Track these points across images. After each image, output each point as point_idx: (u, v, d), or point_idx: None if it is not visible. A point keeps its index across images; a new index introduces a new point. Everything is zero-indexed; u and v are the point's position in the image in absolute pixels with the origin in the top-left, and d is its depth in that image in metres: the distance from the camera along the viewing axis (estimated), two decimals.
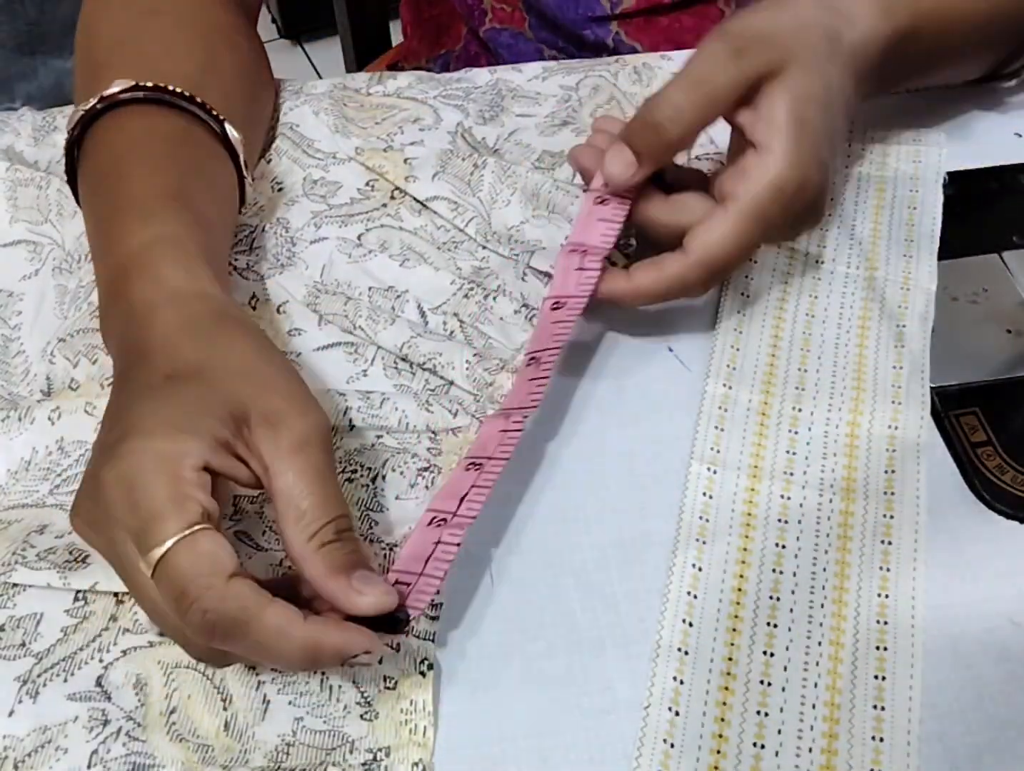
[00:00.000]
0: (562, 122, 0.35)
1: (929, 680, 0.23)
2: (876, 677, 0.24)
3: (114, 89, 0.26)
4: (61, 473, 0.26)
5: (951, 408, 0.29)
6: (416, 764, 0.22)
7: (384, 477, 0.26)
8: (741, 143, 0.26)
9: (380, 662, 0.23)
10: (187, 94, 0.26)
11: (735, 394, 0.28)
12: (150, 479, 0.19)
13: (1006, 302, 0.31)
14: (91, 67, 0.28)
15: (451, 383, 0.27)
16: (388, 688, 0.23)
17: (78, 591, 0.24)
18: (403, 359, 0.28)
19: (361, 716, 0.22)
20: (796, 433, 0.28)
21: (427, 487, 0.25)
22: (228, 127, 0.27)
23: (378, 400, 0.27)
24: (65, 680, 0.23)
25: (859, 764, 0.22)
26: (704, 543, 0.25)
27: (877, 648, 0.24)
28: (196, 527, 0.19)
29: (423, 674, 0.23)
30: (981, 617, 0.24)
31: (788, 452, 0.27)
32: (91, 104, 0.26)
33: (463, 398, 0.27)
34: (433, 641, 0.23)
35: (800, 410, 0.28)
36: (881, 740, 0.23)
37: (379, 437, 0.26)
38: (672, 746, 0.22)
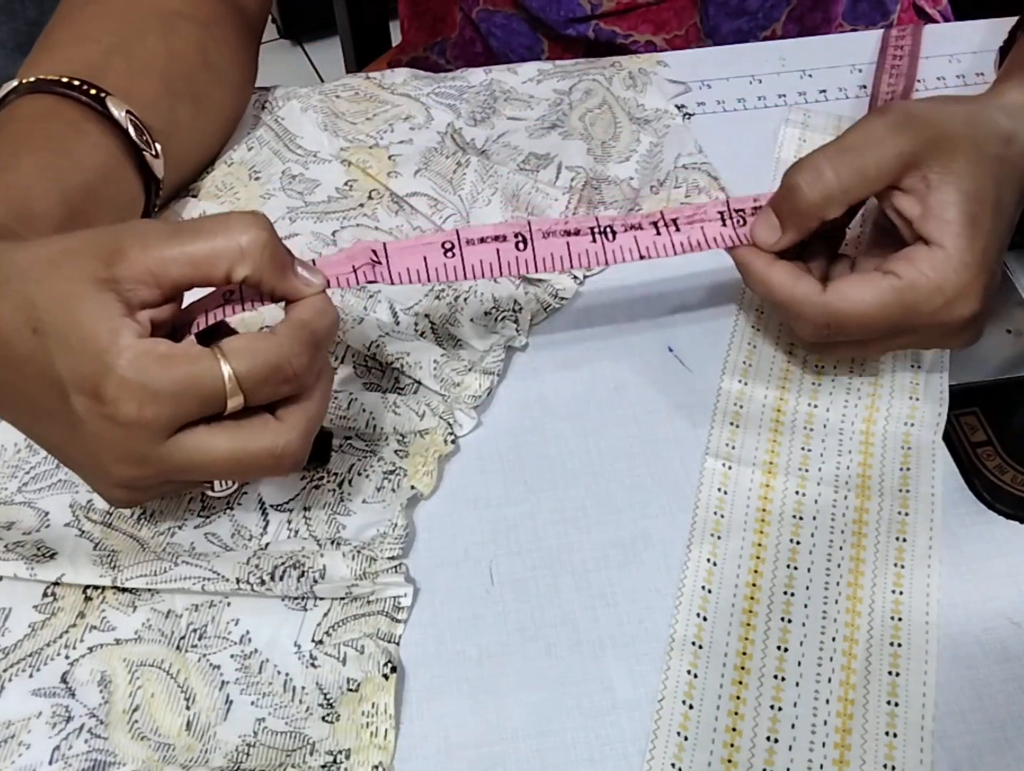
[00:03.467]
0: (551, 125, 0.34)
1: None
2: (890, 673, 0.23)
3: (3, 91, 0.27)
4: (29, 470, 0.26)
5: (951, 408, 0.28)
6: (376, 767, 0.21)
7: (351, 481, 0.25)
8: (905, 230, 0.25)
9: (344, 664, 0.22)
10: (63, 80, 0.26)
11: (751, 390, 0.28)
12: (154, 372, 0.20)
13: (1006, 302, 0.30)
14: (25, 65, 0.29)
15: (419, 383, 0.27)
16: (351, 690, 0.22)
17: (46, 588, 0.23)
18: (372, 357, 0.28)
19: (323, 718, 0.22)
20: (811, 430, 0.27)
21: (393, 490, 0.25)
22: (109, 103, 0.27)
23: (345, 400, 0.26)
24: (31, 675, 0.23)
25: (872, 759, 0.22)
26: (719, 538, 0.25)
27: (891, 644, 0.24)
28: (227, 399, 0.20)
29: (385, 677, 0.22)
30: (981, 617, 0.24)
31: (803, 449, 0.27)
32: None
33: (431, 399, 0.27)
34: (398, 644, 0.23)
35: (816, 407, 0.28)
36: (895, 735, 0.22)
37: (347, 439, 0.26)
38: (686, 739, 0.22)
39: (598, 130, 0.34)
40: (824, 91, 0.37)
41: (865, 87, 0.37)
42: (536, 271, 0.25)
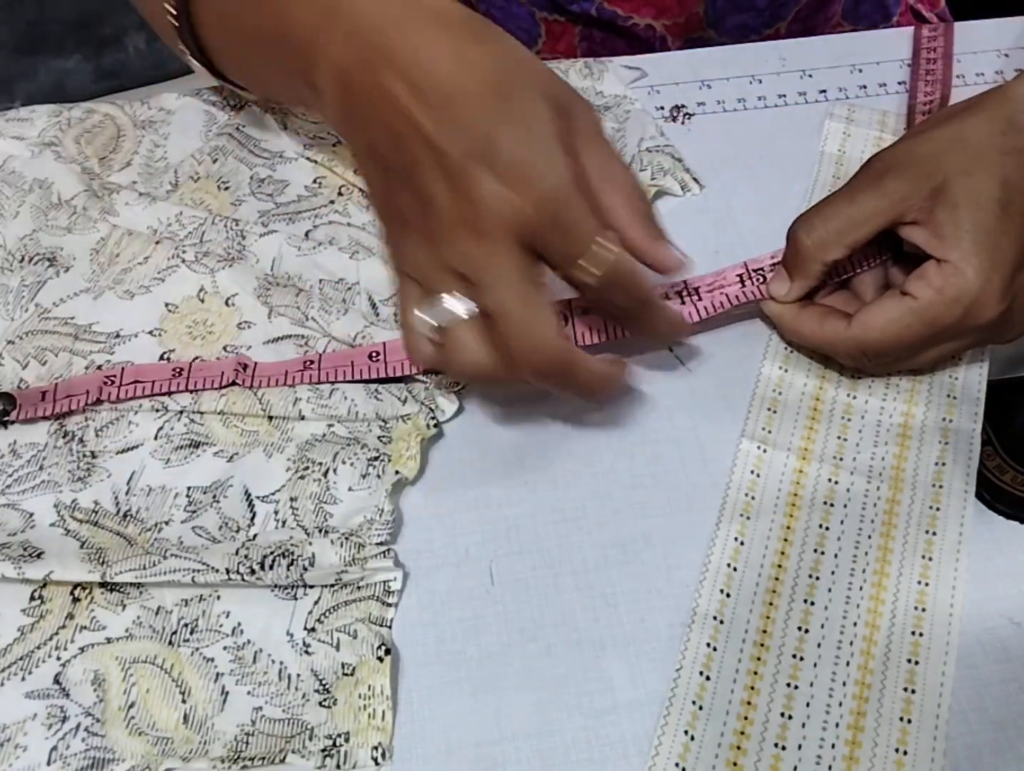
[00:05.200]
0: None
1: None
2: (909, 661, 0.25)
3: None
4: (12, 473, 0.28)
5: None
6: (376, 747, 0.23)
7: (335, 470, 0.28)
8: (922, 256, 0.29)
9: (338, 650, 0.25)
10: None
11: (791, 378, 0.30)
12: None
13: None
14: None
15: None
16: (346, 674, 0.25)
17: (33, 590, 0.26)
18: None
19: (320, 703, 0.24)
20: (849, 420, 0.30)
21: (378, 476, 0.28)
22: None
23: (327, 390, 0.29)
24: (23, 679, 0.24)
25: (885, 742, 0.24)
26: (748, 519, 0.28)
27: (913, 633, 0.26)
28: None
29: (380, 659, 0.24)
30: (981, 617, 0.26)
31: (840, 437, 0.29)
32: None
33: (413, 386, 0.29)
34: (390, 627, 0.26)
35: (855, 397, 0.30)
36: (909, 721, 0.24)
37: (330, 426, 0.29)
38: (700, 708, 0.24)
39: None
40: (824, 91, 0.39)
41: (865, 87, 0.37)
42: (577, 343, 0.29)
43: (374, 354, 0.29)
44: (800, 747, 0.23)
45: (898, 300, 0.27)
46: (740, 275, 0.30)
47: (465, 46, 0.22)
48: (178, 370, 0.29)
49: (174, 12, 0.29)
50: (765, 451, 0.28)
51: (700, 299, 0.29)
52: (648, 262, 0.25)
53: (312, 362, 0.29)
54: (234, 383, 0.28)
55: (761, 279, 0.29)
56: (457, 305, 0.23)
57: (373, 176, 0.25)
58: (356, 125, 0.24)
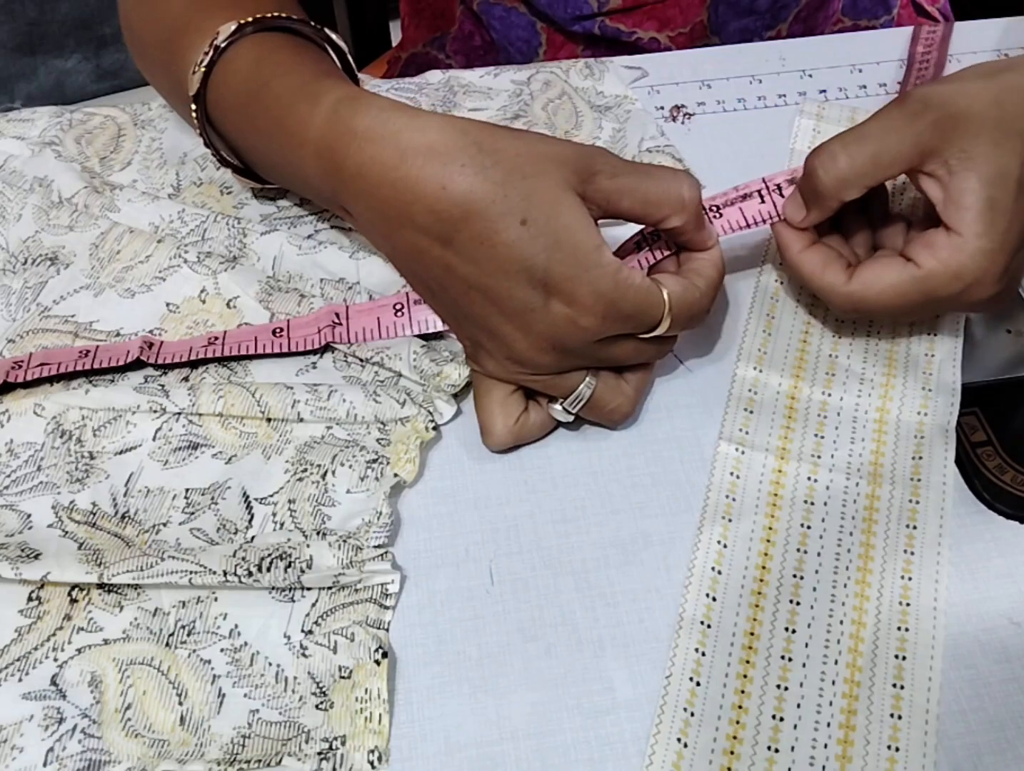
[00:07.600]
0: (514, 115, 0.37)
1: None
2: (897, 656, 0.25)
3: (223, 37, 0.30)
4: (10, 474, 0.28)
5: None
6: (372, 751, 0.23)
7: (334, 472, 0.28)
8: (933, 213, 0.27)
9: (335, 652, 0.25)
10: (286, 16, 0.30)
11: (765, 378, 0.30)
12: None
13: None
14: (170, 33, 0.31)
15: (399, 374, 0.30)
16: (343, 678, 0.24)
17: (31, 591, 0.26)
18: (352, 354, 0.30)
19: (316, 706, 0.24)
20: (825, 417, 0.29)
21: (376, 479, 0.27)
22: (328, 32, 0.31)
23: (326, 392, 0.29)
24: (20, 680, 0.24)
25: (877, 740, 0.24)
26: (730, 521, 0.27)
27: (899, 629, 0.26)
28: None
29: (377, 662, 0.24)
30: (981, 617, 0.26)
31: (816, 435, 0.29)
32: (209, 56, 0.30)
33: (411, 388, 0.29)
34: (387, 630, 0.25)
35: (830, 395, 0.30)
36: (899, 718, 0.24)
37: (329, 428, 0.28)
38: (692, 715, 0.24)
39: (560, 120, 0.38)
40: (824, 91, 0.39)
41: (865, 87, 0.38)
42: None
43: (278, 330, 0.29)
44: (793, 749, 0.23)
45: (900, 265, 0.26)
46: (759, 191, 0.28)
47: (475, 176, 0.22)
48: (84, 352, 0.28)
49: (196, 111, 0.30)
50: (743, 452, 0.28)
51: (720, 216, 0.28)
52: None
53: (216, 338, 0.29)
54: (139, 360, 0.28)
55: (779, 195, 0.28)
56: (582, 390, 0.25)
57: (419, 291, 0.26)
58: (394, 260, 0.25)
